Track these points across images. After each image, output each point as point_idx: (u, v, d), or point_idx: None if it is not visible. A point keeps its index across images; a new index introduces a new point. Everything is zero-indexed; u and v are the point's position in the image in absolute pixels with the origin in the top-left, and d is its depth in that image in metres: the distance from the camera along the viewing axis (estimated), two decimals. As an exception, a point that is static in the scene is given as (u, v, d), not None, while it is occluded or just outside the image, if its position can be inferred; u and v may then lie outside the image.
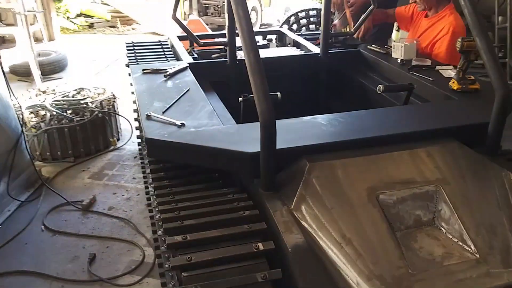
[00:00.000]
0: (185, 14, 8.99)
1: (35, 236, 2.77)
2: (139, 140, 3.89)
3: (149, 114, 1.95)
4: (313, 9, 5.82)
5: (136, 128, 3.97)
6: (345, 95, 2.85)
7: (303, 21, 5.82)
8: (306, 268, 1.38)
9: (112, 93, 4.09)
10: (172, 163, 1.92)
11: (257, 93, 1.53)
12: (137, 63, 3.14)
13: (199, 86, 2.32)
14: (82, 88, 4.02)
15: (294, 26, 5.89)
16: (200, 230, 1.49)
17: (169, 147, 1.78)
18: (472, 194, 1.67)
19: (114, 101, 4.02)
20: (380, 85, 2.22)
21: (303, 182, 1.61)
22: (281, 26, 5.91)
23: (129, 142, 4.00)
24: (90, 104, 3.81)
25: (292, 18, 5.84)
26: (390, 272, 1.36)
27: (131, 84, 3.91)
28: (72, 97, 3.91)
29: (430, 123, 1.88)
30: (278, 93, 2.18)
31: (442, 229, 1.62)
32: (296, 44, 3.59)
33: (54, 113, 3.61)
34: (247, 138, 1.77)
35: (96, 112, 3.72)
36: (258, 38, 3.62)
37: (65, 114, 3.62)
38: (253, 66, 1.55)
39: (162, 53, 3.39)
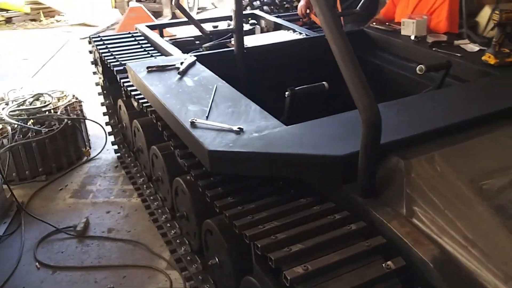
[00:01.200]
0: (115, 1, 8.33)
1: (31, 276, 2.34)
2: (115, 147, 3.50)
3: (194, 121, 1.66)
4: None
5: (110, 134, 3.57)
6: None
7: (257, 3, 5.60)
8: (454, 282, 1.21)
9: (74, 96, 3.62)
10: (235, 175, 1.64)
11: (354, 86, 1.31)
12: (117, 61, 2.77)
13: (225, 82, 2.04)
14: (41, 94, 3.51)
15: (248, 8, 5.66)
16: (314, 255, 1.27)
17: (237, 158, 1.52)
18: None
19: (81, 105, 3.56)
20: (421, 65, 2.09)
21: (405, 182, 1.44)
22: (245, 9, 5.64)
23: (103, 150, 3.57)
24: (53, 111, 3.33)
25: (246, 0, 5.60)
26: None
27: (98, 84, 3.53)
28: (30, 104, 3.40)
29: (500, 101, 1.77)
30: (325, 82, 1.97)
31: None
32: (277, 27, 3.37)
33: (15, 125, 3.11)
34: (324, 139, 1.56)
35: (66, 120, 3.25)
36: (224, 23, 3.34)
37: (29, 125, 3.13)
38: (345, 57, 1.33)
39: (140, 47, 3.03)
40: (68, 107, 3.44)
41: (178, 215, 2.30)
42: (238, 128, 1.60)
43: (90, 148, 3.58)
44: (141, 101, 2.28)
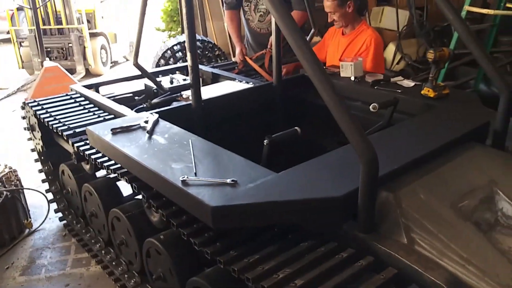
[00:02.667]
0: (22, 61, 7.94)
1: None
2: (60, 215, 3.30)
3: (184, 179, 1.65)
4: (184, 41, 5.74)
5: (51, 201, 3.36)
6: (309, 120, 2.83)
7: (179, 54, 5.67)
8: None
9: (6, 165, 3.38)
10: (238, 228, 1.64)
11: (350, 131, 1.41)
12: (64, 124, 2.67)
13: (197, 136, 2.06)
14: (-29, 167, 3.23)
15: (171, 60, 5.71)
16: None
17: (238, 211, 1.53)
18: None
19: (17, 175, 3.33)
20: (374, 104, 2.26)
21: (400, 213, 1.55)
22: (158, 62, 5.68)
23: (46, 219, 3.34)
24: (-13, 184, 3.08)
25: (169, 52, 5.65)
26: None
27: (33, 151, 3.32)
28: (-41, 180, 3.12)
29: (454, 129, 1.99)
30: (297, 127, 2.07)
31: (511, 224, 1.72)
32: (215, 78, 3.47)
33: None
34: (318, 182, 1.64)
35: (5, 193, 3.01)
36: (177, 76, 3.39)
37: (-38, 203, 2.86)
38: (336, 103, 1.43)
39: (82, 108, 2.94)
40: (3, 179, 3.20)
41: (155, 277, 2.22)
42: (232, 180, 1.63)
43: (31, 219, 3.33)
44: (106, 164, 2.20)
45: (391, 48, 5.91)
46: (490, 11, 4.19)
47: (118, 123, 2.25)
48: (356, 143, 1.41)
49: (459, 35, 2.05)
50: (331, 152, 1.87)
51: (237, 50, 3.66)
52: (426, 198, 1.63)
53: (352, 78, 2.83)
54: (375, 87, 2.66)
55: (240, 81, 3.02)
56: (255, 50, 3.87)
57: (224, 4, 4.03)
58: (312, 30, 2.96)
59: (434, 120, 2.16)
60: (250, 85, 2.85)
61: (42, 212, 3.40)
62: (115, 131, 2.15)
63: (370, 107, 2.27)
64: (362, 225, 1.52)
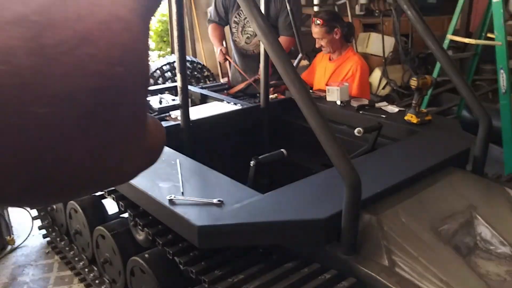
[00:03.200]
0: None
1: None
2: (43, 232, 3.27)
3: (171, 198, 1.68)
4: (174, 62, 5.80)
5: (35, 218, 3.33)
6: (295, 142, 2.88)
7: (168, 74, 5.73)
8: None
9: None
10: (223, 248, 1.67)
11: (335, 155, 1.46)
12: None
13: (185, 156, 2.09)
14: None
15: (160, 80, 5.75)
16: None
17: (224, 231, 1.56)
18: (497, 211, 1.87)
19: None
20: (358, 128, 2.32)
21: (381, 236, 1.59)
22: (156, 81, 5.71)
23: (29, 236, 3.30)
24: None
25: (158, 72, 5.70)
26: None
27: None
28: None
29: (435, 155, 2.05)
30: (283, 149, 2.11)
31: (490, 249, 1.76)
32: (204, 98, 3.51)
33: None
34: (303, 204, 1.67)
35: (-12, 209, 2.99)
36: (166, 96, 3.43)
37: None
38: (321, 127, 1.48)
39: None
40: (-13, 194, 3.17)
41: (138, 296, 2.22)
42: (218, 200, 1.66)
43: (13, 235, 3.29)
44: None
45: (377, 73, 6.04)
46: (472, 41, 4.32)
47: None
48: (340, 167, 1.45)
49: (440, 64, 2.12)
50: (316, 174, 1.91)
51: (217, 52, 3.75)
52: (407, 221, 1.68)
53: (338, 103, 2.90)
54: (360, 112, 2.72)
55: (228, 103, 3.06)
56: (242, 70, 3.94)
57: (208, 21, 4.11)
58: (300, 55, 3.03)
59: (416, 145, 2.23)
60: (238, 107, 2.90)
61: (25, 228, 3.36)
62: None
63: (355, 131, 2.33)
64: (345, 246, 1.55)
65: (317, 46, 3.39)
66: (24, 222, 3.42)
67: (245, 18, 3.89)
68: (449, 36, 4.33)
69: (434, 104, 5.05)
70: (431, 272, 1.51)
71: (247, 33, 3.97)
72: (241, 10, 3.88)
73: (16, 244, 3.24)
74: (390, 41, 6.13)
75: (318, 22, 3.24)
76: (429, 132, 2.37)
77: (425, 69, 5.92)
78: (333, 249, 1.59)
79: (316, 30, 3.26)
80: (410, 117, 2.49)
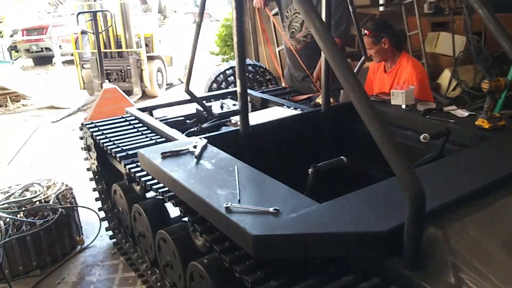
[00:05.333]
0: (84, 83, 8.38)
1: None
2: (110, 233, 3.41)
3: (228, 206, 1.67)
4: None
5: (102, 220, 3.48)
6: (357, 149, 2.79)
7: (231, 78, 5.78)
8: None
9: (63, 183, 3.55)
10: (279, 258, 1.64)
11: (396, 164, 1.38)
12: (118, 146, 2.78)
13: (243, 163, 2.08)
14: (32, 184, 3.42)
15: (223, 84, 5.83)
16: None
17: (280, 241, 1.53)
18: None
19: (72, 193, 3.48)
20: (424, 134, 2.20)
21: (447, 251, 1.48)
22: (211, 85, 5.81)
23: (97, 237, 3.46)
24: (44, 201, 3.24)
25: (221, 76, 5.77)
26: None
27: (89, 170, 3.48)
28: (20, 195, 3.29)
29: (510, 163, 1.89)
30: (343, 157, 2.05)
31: None
32: (265, 103, 3.50)
33: (7, 219, 2.99)
34: (362, 215, 1.60)
35: (60, 210, 3.16)
36: (228, 102, 3.45)
37: (21, 218, 3.02)
38: (381, 134, 1.40)
39: (136, 130, 3.05)
40: (60, 195, 3.36)
41: (197, 300, 2.24)
42: (275, 209, 1.63)
43: (83, 235, 3.46)
44: (155, 186, 2.27)
45: (446, 74, 5.75)
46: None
47: (168, 147, 2.32)
48: (402, 177, 1.37)
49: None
50: (378, 183, 1.83)
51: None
52: (477, 235, 1.56)
53: (403, 106, 2.78)
54: (427, 116, 2.59)
55: (289, 107, 3.03)
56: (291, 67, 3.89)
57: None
58: (363, 57, 2.94)
59: (488, 152, 2.07)
60: (298, 111, 2.86)
61: (94, 229, 3.53)
62: (164, 155, 2.21)
63: (421, 137, 2.21)
64: (407, 261, 1.46)
65: (367, 55, 3.28)
66: (92, 223, 3.59)
67: (294, 13, 3.86)
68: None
69: (510, 107, 4.72)
70: (504, 292, 1.39)
71: (292, 28, 3.93)
72: (292, 5, 3.86)
73: (85, 244, 3.40)
74: (460, 40, 5.82)
75: (365, 32, 3.18)
76: (503, 138, 2.21)
77: (500, 69, 5.55)
78: (394, 264, 1.50)
79: (364, 41, 3.17)
80: (482, 122, 2.33)
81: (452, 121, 2.47)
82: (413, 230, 1.42)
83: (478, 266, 1.45)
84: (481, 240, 1.54)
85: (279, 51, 6.26)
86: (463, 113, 2.58)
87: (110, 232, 3.41)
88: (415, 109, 2.73)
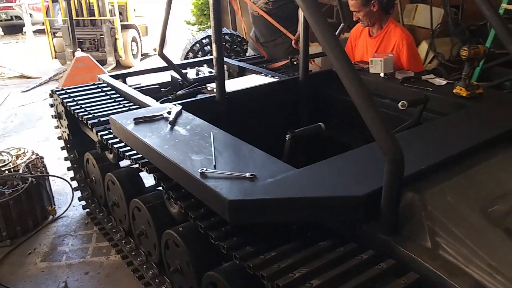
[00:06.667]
0: (55, 52, 8.10)
1: None
2: (83, 203, 3.33)
3: (203, 171, 1.62)
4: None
5: (75, 189, 3.40)
6: (335, 116, 2.77)
7: (208, 48, 5.66)
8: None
9: (33, 152, 3.43)
10: (255, 224, 1.61)
11: (376, 128, 1.35)
12: (89, 113, 2.69)
13: (219, 129, 2.03)
14: (0, 153, 3.29)
15: (200, 54, 5.70)
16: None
17: (256, 206, 1.49)
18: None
19: (43, 162, 3.38)
20: (403, 101, 2.19)
21: (425, 216, 1.48)
22: (187, 54, 5.68)
23: (70, 207, 3.38)
24: (13, 170, 3.13)
25: (197, 46, 5.64)
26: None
27: (60, 138, 3.37)
28: (-13, 165, 3.18)
29: (487, 130, 1.89)
30: (321, 123, 2.02)
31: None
32: (242, 71, 3.43)
33: (-26, 189, 2.89)
34: (340, 180, 1.58)
35: (30, 179, 3.06)
36: (204, 69, 3.37)
37: (-11, 188, 2.92)
38: (362, 98, 1.36)
39: (109, 97, 2.95)
40: (30, 165, 3.25)
41: (172, 269, 2.21)
42: (251, 174, 1.59)
43: (55, 205, 3.37)
44: (128, 154, 2.20)
45: (424, 46, 5.74)
46: (531, 10, 4.01)
47: (141, 113, 2.24)
48: (382, 141, 1.34)
49: (496, 33, 1.94)
50: (356, 149, 1.81)
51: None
52: (454, 200, 1.56)
53: (382, 75, 2.75)
54: (405, 84, 2.57)
55: (266, 75, 2.97)
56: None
57: None
58: (342, 25, 2.88)
59: (466, 120, 2.07)
60: (275, 79, 2.80)
61: (66, 199, 3.45)
62: (137, 121, 2.14)
63: (399, 104, 2.20)
64: (384, 226, 1.45)
65: (354, 19, 3.22)
66: (65, 193, 3.50)
67: None
68: (504, 5, 4.02)
69: (485, 79, 4.75)
70: (478, 256, 1.39)
71: None
72: None
73: (57, 214, 3.32)
74: (438, 13, 5.79)
75: None
76: (480, 106, 2.21)
77: (476, 42, 5.56)
78: (371, 229, 1.49)
79: (352, 3, 3.08)
80: (460, 90, 2.32)
81: (430, 89, 2.46)
82: (391, 194, 1.40)
83: (455, 231, 1.45)
84: (458, 205, 1.54)
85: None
86: (441, 81, 2.57)
87: (83, 202, 3.33)
88: (393, 77, 2.71)
